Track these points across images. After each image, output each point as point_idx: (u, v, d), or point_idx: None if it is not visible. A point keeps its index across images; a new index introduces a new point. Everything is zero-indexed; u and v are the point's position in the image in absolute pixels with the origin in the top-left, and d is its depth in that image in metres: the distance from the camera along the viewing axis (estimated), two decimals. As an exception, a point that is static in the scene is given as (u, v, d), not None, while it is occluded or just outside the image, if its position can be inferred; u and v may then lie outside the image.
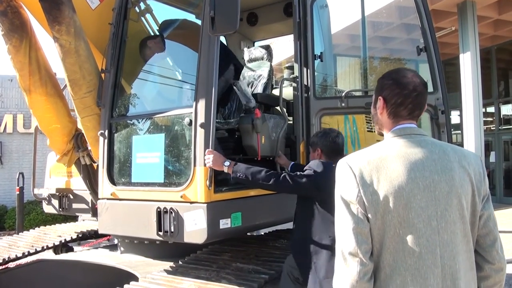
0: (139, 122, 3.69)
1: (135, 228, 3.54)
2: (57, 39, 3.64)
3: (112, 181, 3.72)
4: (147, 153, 3.53)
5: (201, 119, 3.14)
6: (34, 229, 5.70)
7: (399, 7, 10.81)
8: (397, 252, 1.55)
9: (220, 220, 3.18)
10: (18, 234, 5.68)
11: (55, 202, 5.21)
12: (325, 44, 4.85)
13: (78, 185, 4.86)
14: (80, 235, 5.22)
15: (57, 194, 5.13)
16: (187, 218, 3.17)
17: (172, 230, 3.24)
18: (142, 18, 4.60)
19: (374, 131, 5.99)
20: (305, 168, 3.02)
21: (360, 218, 1.55)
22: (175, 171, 3.37)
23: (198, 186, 3.13)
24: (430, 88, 4.00)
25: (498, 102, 14.85)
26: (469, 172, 1.63)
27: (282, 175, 2.90)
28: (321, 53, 4.24)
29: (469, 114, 10.09)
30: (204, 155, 3.05)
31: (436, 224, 1.56)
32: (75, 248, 5.48)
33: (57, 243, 4.98)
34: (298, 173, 2.95)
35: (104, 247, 5.02)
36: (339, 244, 1.59)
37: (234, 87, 3.82)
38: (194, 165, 3.15)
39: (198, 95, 3.20)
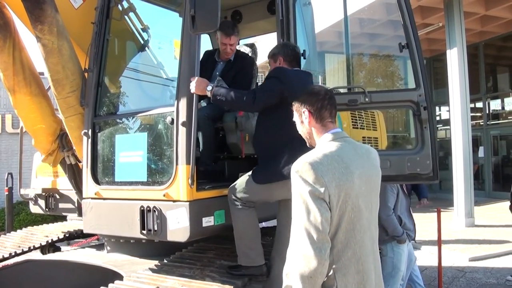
0: (122, 121, 3.69)
1: (119, 227, 3.55)
2: (39, 39, 3.63)
3: (96, 180, 3.72)
4: (130, 152, 3.54)
5: (182, 117, 3.15)
6: (22, 229, 5.68)
7: (385, 3, 10.85)
8: (348, 231, 1.96)
9: (203, 218, 3.21)
10: (6, 234, 5.65)
11: (42, 202, 5.19)
12: (309, 42, 4.86)
13: (64, 184, 4.84)
14: (67, 235, 5.21)
15: (44, 194, 5.11)
16: (170, 216, 3.19)
17: (156, 228, 3.25)
18: (126, 17, 4.59)
19: (360, 128, 6.00)
20: (270, 76, 3.31)
21: (321, 210, 1.87)
22: (158, 169, 3.38)
23: (180, 185, 3.15)
24: (412, 85, 4.05)
25: (486, 97, 14.98)
26: (376, 164, 2.20)
27: (252, 93, 3.17)
28: (304, 50, 4.25)
29: (457, 110, 10.16)
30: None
31: (370, 207, 2.07)
32: (64, 248, 5.48)
33: (44, 243, 4.97)
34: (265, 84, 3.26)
35: (91, 246, 5.02)
36: (306, 231, 1.87)
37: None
38: (176, 164, 3.16)
39: (180, 93, 3.21)
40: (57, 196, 5.04)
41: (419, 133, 3.92)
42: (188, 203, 3.11)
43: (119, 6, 4.45)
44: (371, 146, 5.99)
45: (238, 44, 4.55)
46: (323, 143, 2.08)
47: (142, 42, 4.67)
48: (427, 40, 14.35)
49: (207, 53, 4.54)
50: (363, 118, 6.06)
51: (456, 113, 10.23)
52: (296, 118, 2.24)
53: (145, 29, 4.68)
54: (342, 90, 4.77)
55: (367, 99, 4.09)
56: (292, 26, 4.19)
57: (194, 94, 3.10)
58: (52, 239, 5.04)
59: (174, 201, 3.18)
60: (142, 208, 3.32)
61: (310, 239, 1.85)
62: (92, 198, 3.74)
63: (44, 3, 3.52)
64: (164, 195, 3.21)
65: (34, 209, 5.35)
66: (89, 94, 3.81)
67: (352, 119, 5.70)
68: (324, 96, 2.15)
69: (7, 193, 9.06)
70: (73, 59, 3.81)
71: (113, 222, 3.61)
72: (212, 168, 3.80)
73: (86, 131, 3.78)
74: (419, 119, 3.91)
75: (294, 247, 1.90)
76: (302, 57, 4.24)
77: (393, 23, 11.38)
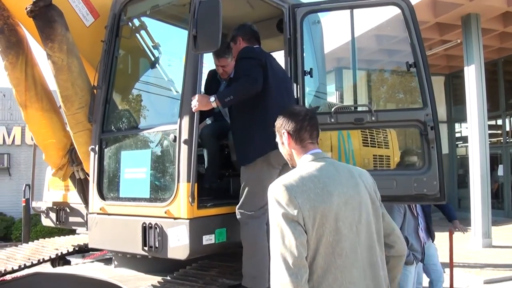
0: (128, 138, 3.74)
1: (123, 242, 3.58)
2: (50, 56, 3.72)
3: (102, 195, 3.76)
4: (134, 168, 3.57)
5: (184, 135, 3.17)
6: (34, 241, 5.77)
7: (400, 20, 10.79)
8: (327, 256, 1.84)
9: (204, 236, 3.20)
10: (18, 246, 5.74)
11: (53, 215, 5.27)
12: (318, 60, 4.87)
13: (74, 198, 4.91)
14: (76, 248, 5.26)
15: (55, 207, 5.19)
16: (170, 234, 3.19)
17: (157, 245, 3.26)
18: (137, 35, 4.67)
19: (370, 146, 5.95)
20: (238, 58, 3.47)
21: (296, 233, 1.78)
22: (160, 186, 3.40)
23: (181, 202, 3.16)
24: (420, 104, 4.01)
25: (506, 114, 14.68)
26: (366, 185, 2.05)
27: (244, 76, 3.23)
28: (310, 69, 4.25)
29: (474, 127, 9.98)
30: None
31: (355, 229, 1.92)
32: (76, 260, 5.54)
33: (53, 256, 5.02)
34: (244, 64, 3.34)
35: (100, 260, 5.06)
36: (282, 257, 1.77)
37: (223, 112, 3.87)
38: (178, 181, 3.18)
39: (183, 111, 3.24)
40: (68, 210, 5.11)
41: (426, 153, 3.87)
42: (188, 220, 3.12)
43: (130, 24, 4.54)
44: (383, 164, 5.95)
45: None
46: (302, 164, 2.02)
47: (153, 59, 4.74)
48: (445, 57, 14.21)
49: (210, 72, 4.59)
50: (374, 136, 6.01)
51: (473, 131, 10.05)
52: (277, 139, 2.20)
53: (156, 47, 4.75)
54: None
55: (373, 118, 4.06)
56: (299, 45, 4.22)
57: (196, 112, 3.12)
58: (61, 252, 5.09)
59: (175, 218, 3.19)
60: (144, 225, 3.34)
61: (285, 264, 1.75)
62: (97, 213, 3.78)
63: (55, 22, 3.61)
64: (165, 212, 3.22)
65: (45, 222, 5.43)
66: (97, 110, 3.87)
67: (362, 137, 5.66)
68: (304, 117, 2.08)
69: (24, 204, 9.22)
70: (82, 76, 3.89)
71: (117, 238, 3.64)
72: (217, 185, 3.81)
73: (93, 146, 3.83)
74: (426, 138, 3.86)
75: (271, 273, 1.81)
76: (308, 75, 4.28)
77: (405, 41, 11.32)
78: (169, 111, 4.05)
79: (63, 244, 5.46)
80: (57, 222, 5.23)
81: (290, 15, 4.24)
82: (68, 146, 4.44)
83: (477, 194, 9.94)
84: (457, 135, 16.41)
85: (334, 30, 12.17)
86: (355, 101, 5.36)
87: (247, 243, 3.32)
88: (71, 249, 5.19)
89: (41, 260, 4.93)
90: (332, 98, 15.26)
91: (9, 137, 13.01)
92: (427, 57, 3.98)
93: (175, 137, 3.24)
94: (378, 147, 6.09)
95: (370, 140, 5.96)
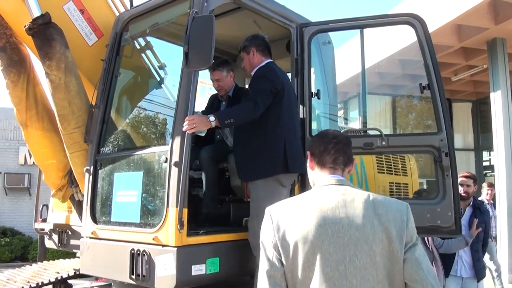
0: (121, 159, 3.57)
1: (111, 269, 3.37)
2: (47, 74, 3.63)
3: (94, 219, 3.60)
4: (126, 191, 3.40)
5: (175, 157, 2.98)
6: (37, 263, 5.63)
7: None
8: None
9: (193, 266, 2.96)
10: (21, 268, 5.61)
11: (56, 237, 5.14)
12: (328, 81, 4.66)
13: (76, 221, 4.77)
14: (77, 272, 5.08)
15: (57, 229, 5.06)
16: (158, 262, 2.97)
17: (144, 274, 3.04)
18: (142, 55, 4.58)
19: (387, 173, 5.62)
20: (256, 75, 3.43)
21: (273, 262, 1.68)
22: (150, 211, 3.20)
23: (169, 228, 2.94)
24: (434, 129, 3.73)
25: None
26: (385, 219, 1.67)
27: (251, 97, 3.20)
28: (318, 90, 4.05)
29: (501, 155, 9.48)
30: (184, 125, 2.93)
31: (344, 269, 1.62)
32: (78, 282, 5.37)
33: (52, 279, 4.86)
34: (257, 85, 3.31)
35: (99, 286, 4.88)
36: (258, 284, 1.70)
37: (223, 134, 3.69)
38: (167, 206, 2.97)
39: (175, 132, 3.06)
40: (69, 232, 4.97)
41: (440, 182, 3.58)
42: (176, 248, 2.89)
43: (136, 43, 4.46)
44: (400, 193, 5.61)
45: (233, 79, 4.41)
46: (312, 189, 1.85)
47: (155, 79, 4.64)
48: (472, 83, 13.77)
49: (211, 97, 4.46)
50: (391, 162, 5.70)
51: (500, 159, 9.56)
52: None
53: (161, 67, 4.65)
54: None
55: (384, 143, 3.80)
56: (306, 65, 4.03)
57: (187, 134, 2.94)
58: (61, 276, 4.92)
59: (163, 245, 2.98)
60: (132, 251, 3.13)
61: None
62: (89, 238, 3.61)
63: (53, 40, 3.53)
64: (153, 239, 3.01)
65: (48, 243, 5.31)
66: (94, 130, 3.75)
67: (377, 163, 5.36)
68: (330, 140, 1.89)
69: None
70: (80, 95, 3.78)
71: (106, 264, 3.44)
72: (215, 211, 3.59)
73: (88, 167, 3.69)
74: (441, 166, 3.57)
75: None
76: (316, 97, 4.07)
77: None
78: (164, 132, 3.88)
79: (65, 267, 5.29)
80: (59, 245, 5.09)
81: (298, 35, 4.08)
82: (68, 167, 4.31)
83: (503, 225, 9.37)
84: (485, 163, 15.75)
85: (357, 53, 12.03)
86: (364, 125, 5.08)
87: None
88: (71, 273, 5.02)
89: (40, 284, 4.76)
90: (356, 123, 14.94)
91: (30, 158, 13.13)
92: (441, 78, 3.71)
93: (166, 158, 3.05)
94: (395, 174, 5.77)
95: (386, 167, 5.65)
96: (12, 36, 3.89)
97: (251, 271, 3.37)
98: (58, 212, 5.21)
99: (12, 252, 11.94)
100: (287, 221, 1.70)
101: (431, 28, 9.35)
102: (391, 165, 5.65)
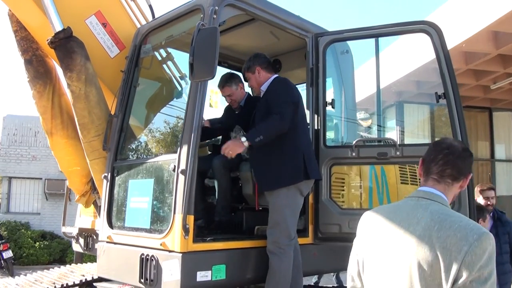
0: (136, 167, 3.70)
1: (124, 273, 3.50)
2: (68, 85, 3.83)
3: (110, 224, 3.74)
4: (139, 197, 3.52)
5: (182, 165, 3.07)
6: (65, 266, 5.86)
7: (459, 52, 10.24)
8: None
9: (198, 272, 3.03)
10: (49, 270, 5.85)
11: (82, 241, 5.34)
12: (346, 90, 4.65)
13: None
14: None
15: (83, 233, 5.26)
16: (164, 267, 3.06)
17: (152, 278, 3.14)
18: (164, 66, 4.72)
19: (410, 183, 5.51)
20: (271, 90, 3.55)
21: (354, 260, 1.83)
22: (159, 217, 3.30)
23: (176, 235, 3.02)
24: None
25: None
26: (441, 244, 1.53)
27: (276, 111, 3.29)
28: (332, 100, 4.06)
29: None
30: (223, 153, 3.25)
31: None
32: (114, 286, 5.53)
33: (77, 282, 5.05)
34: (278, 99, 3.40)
35: (122, 289, 5.02)
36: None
37: (232, 134, 3.75)
38: (174, 212, 3.06)
39: (183, 141, 3.15)
40: (94, 237, 5.15)
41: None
42: (181, 254, 2.97)
43: (158, 54, 4.61)
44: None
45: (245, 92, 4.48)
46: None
47: (174, 89, 4.77)
48: (511, 91, 13.25)
49: (226, 108, 4.54)
50: (415, 172, 5.58)
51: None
52: None
53: (182, 77, 4.78)
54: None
55: (398, 153, 3.76)
56: (321, 75, 4.05)
57: (193, 143, 3.03)
58: (86, 279, 5.11)
59: (169, 251, 3.06)
60: (142, 256, 3.24)
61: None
62: (106, 242, 3.75)
63: (74, 52, 3.72)
64: (161, 244, 3.11)
65: (75, 247, 5.51)
66: (112, 139, 3.90)
67: (400, 172, 5.26)
68: (441, 150, 1.78)
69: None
70: (100, 105, 3.94)
71: (120, 268, 3.57)
72: (227, 219, 3.65)
73: (106, 174, 3.84)
74: (456, 178, 3.48)
75: None
76: (331, 107, 4.07)
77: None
78: (175, 141, 3.99)
79: (91, 270, 5.48)
80: (85, 248, 5.28)
81: (313, 44, 4.10)
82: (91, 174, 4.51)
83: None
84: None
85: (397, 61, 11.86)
86: (392, 134, 5.02)
87: (280, 275, 3.26)
88: (96, 276, 5.19)
89: (65, 285, 4.96)
90: (392, 133, 14.69)
91: (70, 164, 13.67)
92: (458, 87, 3.64)
93: (175, 166, 3.14)
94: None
95: (411, 177, 5.53)
96: (38, 49, 4.12)
97: (258, 280, 3.42)
98: (85, 216, 5.41)
99: (51, 255, 12.45)
100: (366, 227, 1.82)
101: (466, 35, 9.13)
102: (415, 174, 5.52)
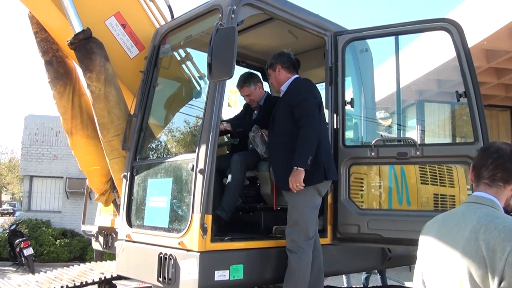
0: (155, 166, 3.73)
1: (143, 271, 3.53)
2: (88, 85, 3.88)
3: (129, 222, 3.78)
4: (158, 197, 3.55)
5: (200, 165, 3.09)
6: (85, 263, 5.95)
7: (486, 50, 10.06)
8: None
9: (216, 272, 3.04)
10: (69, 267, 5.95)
11: (101, 239, 5.40)
12: (365, 90, 4.61)
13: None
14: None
15: (103, 232, 5.32)
16: (182, 266, 3.08)
17: (170, 277, 3.16)
18: (183, 66, 4.76)
19: (431, 184, 5.41)
20: (292, 91, 3.56)
21: (418, 270, 1.85)
22: (177, 216, 3.32)
23: (194, 234, 3.04)
24: (471, 138, 3.60)
25: None
26: (486, 246, 1.55)
27: (304, 121, 3.32)
28: (351, 99, 4.03)
29: None
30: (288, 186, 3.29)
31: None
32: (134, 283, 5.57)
33: (96, 279, 5.12)
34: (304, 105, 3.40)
35: (141, 288, 5.08)
36: None
37: (251, 134, 3.75)
38: (192, 212, 3.08)
39: (201, 140, 3.17)
40: (114, 235, 5.21)
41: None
42: (199, 253, 2.98)
43: (177, 54, 4.64)
44: (446, 205, 5.39)
45: (264, 91, 4.49)
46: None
47: (194, 89, 4.79)
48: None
49: (245, 105, 4.54)
50: (435, 171, 5.50)
51: None
52: None
53: (201, 77, 4.80)
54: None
55: (418, 153, 3.71)
56: (340, 74, 4.02)
57: (212, 142, 3.05)
58: (105, 277, 5.17)
59: (187, 250, 3.08)
60: (160, 255, 3.26)
61: None
62: (125, 240, 3.79)
63: (93, 53, 3.77)
64: (179, 243, 3.13)
65: (95, 245, 5.58)
66: (131, 138, 3.94)
67: (420, 172, 5.19)
68: (491, 154, 1.81)
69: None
70: (120, 105, 3.99)
71: (138, 266, 3.61)
72: (228, 216, 3.63)
73: (125, 174, 3.88)
74: (477, 177, 3.42)
75: None
76: (350, 106, 4.05)
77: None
78: (195, 140, 4.01)
79: (110, 268, 5.55)
80: (105, 247, 5.34)
81: (332, 43, 4.08)
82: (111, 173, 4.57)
83: None
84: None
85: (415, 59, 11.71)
86: (416, 134, 4.95)
87: (299, 274, 3.27)
88: (115, 274, 5.26)
89: (84, 283, 5.04)
90: (413, 133, 14.50)
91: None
92: (479, 85, 3.58)
93: (193, 166, 3.16)
94: (441, 185, 5.55)
95: (431, 177, 5.44)
96: (59, 50, 4.19)
97: (277, 279, 3.41)
98: (105, 215, 5.48)
99: (71, 253, 12.65)
100: (422, 237, 1.87)
101: (487, 33, 8.94)
102: (436, 175, 5.44)
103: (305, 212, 3.34)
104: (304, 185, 3.25)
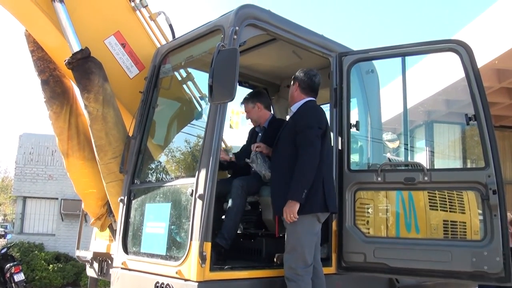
0: (153, 190, 3.74)
1: (138, 301, 3.50)
2: (86, 106, 3.92)
3: (125, 249, 3.76)
4: (155, 222, 3.55)
5: (200, 190, 3.09)
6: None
7: (492, 69, 10.11)
8: None
9: (215, 303, 3.02)
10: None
11: (96, 265, 5.37)
12: (371, 111, 4.63)
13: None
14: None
15: (98, 258, 5.30)
16: (180, 296, 3.06)
17: (167, 308, 3.14)
18: (184, 86, 4.80)
19: (440, 210, 5.39)
20: (297, 116, 3.57)
21: None
22: (175, 244, 3.32)
23: (192, 262, 3.03)
24: (482, 161, 3.60)
25: None
26: None
27: (304, 151, 3.31)
28: (357, 121, 4.05)
29: None
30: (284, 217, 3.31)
31: None
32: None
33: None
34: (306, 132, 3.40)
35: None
36: None
37: (251, 157, 3.76)
38: (191, 239, 3.07)
39: (201, 164, 3.18)
40: (109, 261, 5.18)
41: (487, 222, 3.43)
42: (197, 283, 2.96)
43: (178, 75, 4.69)
44: (456, 233, 5.34)
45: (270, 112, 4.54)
46: None
47: (199, 109, 4.82)
48: None
49: (251, 130, 4.61)
50: (445, 197, 5.47)
51: None
52: None
53: (203, 97, 4.84)
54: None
55: (426, 178, 3.71)
56: (345, 95, 4.05)
57: (212, 166, 3.06)
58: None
59: (185, 280, 3.06)
60: (157, 284, 3.24)
61: None
62: (121, 268, 3.77)
63: (92, 73, 3.81)
64: (176, 272, 3.11)
65: (89, 272, 5.54)
66: (129, 161, 3.95)
67: (429, 197, 5.17)
68: None
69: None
70: (118, 127, 4.01)
71: (134, 296, 3.58)
72: (228, 244, 3.61)
73: (122, 198, 3.89)
74: (488, 204, 3.44)
75: None
76: (355, 129, 4.06)
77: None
78: (195, 164, 4.02)
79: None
80: (99, 274, 5.31)
81: (337, 64, 4.12)
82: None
83: None
84: None
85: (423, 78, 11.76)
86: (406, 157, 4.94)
87: None
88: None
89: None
90: (421, 155, 14.48)
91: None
92: (489, 107, 3.60)
93: (192, 191, 3.16)
94: (451, 211, 5.52)
95: (440, 202, 5.42)
96: (56, 69, 4.24)
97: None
98: (100, 240, 5.46)
99: (65, 278, 12.54)
100: None
101: (498, 52, 9.00)
102: (445, 200, 5.41)
103: (303, 238, 3.34)
104: (297, 217, 3.25)
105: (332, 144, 3.93)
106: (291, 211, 3.25)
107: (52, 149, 14.87)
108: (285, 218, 3.30)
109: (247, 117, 4.37)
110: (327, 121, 3.62)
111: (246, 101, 4.32)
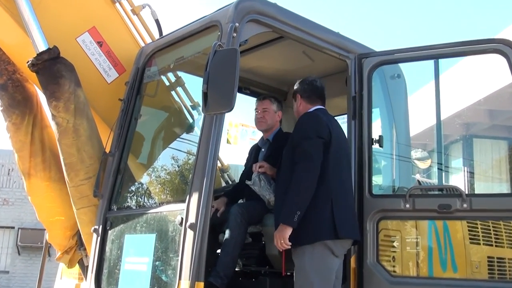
0: (135, 218, 3.78)
1: None
2: (54, 116, 3.96)
3: (99, 289, 3.79)
4: (136, 257, 3.58)
5: (191, 218, 3.12)
6: None
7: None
8: None
9: None
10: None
11: (63, 310, 5.38)
12: (397, 123, 4.69)
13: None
14: None
15: (65, 300, 5.31)
16: None
17: None
18: (173, 92, 4.86)
19: (484, 244, 5.45)
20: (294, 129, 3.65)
21: None
22: (161, 284, 3.34)
23: (181, 306, 3.06)
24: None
25: None
26: None
27: (299, 166, 3.34)
28: (380, 136, 4.10)
29: None
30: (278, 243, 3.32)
31: None
32: None
33: None
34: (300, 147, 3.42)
35: None
36: None
37: (252, 179, 3.81)
38: (179, 278, 3.10)
39: (193, 187, 3.22)
40: (80, 305, 5.20)
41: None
42: (187, 333, 2.99)
43: (165, 79, 4.76)
44: (505, 272, 5.35)
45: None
46: None
47: (190, 120, 4.89)
48: None
49: (251, 149, 4.72)
50: (489, 228, 5.50)
51: None
52: None
53: (195, 106, 4.91)
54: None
55: (465, 205, 3.75)
56: (365, 105, 4.10)
57: (206, 190, 3.10)
58: None
59: (173, 327, 3.09)
60: (138, 333, 3.27)
61: None
62: (93, 313, 3.79)
63: (61, 77, 3.86)
64: (162, 319, 3.14)
65: (54, 318, 5.56)
66: (106, 183, 4.00)
67: (469, 228, 5.19)
68: None
69: None
70: (92, 141, 4.05)
71: None
72: (226, 283, 3.64)
73: (96, 227, 3.92)
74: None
75: None
76: (378, 145, 4.11)
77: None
78: (185, 187, 4.07)
79: None
80: (67, 319, 5.32)
81: (356, 67, 4.18)
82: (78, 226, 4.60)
83: None
84: None
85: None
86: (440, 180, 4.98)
87: None
88: None
89: None
90: (459, 176, 14.50)
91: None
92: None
93: (182, 219, 3.20)
94: (497, 246, 5.54)
95: (483, 235, 5.44)
96: (16, 72, 4.29)
97: None
98: (68, 279, 5.48)
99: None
100: None
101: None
102: (489, 231, 5.43)
103: (312, 276, 3.31)
104: (289, 244, 3.26)
105: (351, 163, 3.97)
106: (281, 236, 3.25)
107: (9, 167, 14.93)
108: (276, 245, 3.30)
109: (261, 116, 4.43)
110: (331, 130, 3.57)
111: (272, 100, 4.48)
